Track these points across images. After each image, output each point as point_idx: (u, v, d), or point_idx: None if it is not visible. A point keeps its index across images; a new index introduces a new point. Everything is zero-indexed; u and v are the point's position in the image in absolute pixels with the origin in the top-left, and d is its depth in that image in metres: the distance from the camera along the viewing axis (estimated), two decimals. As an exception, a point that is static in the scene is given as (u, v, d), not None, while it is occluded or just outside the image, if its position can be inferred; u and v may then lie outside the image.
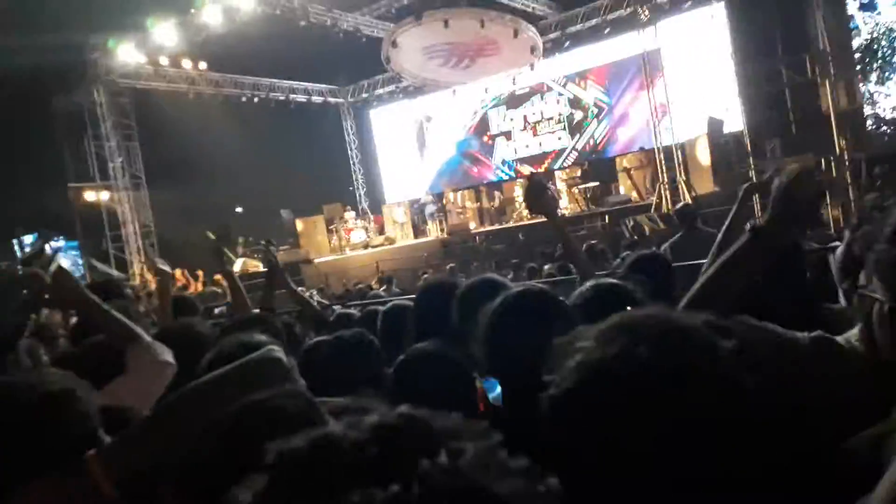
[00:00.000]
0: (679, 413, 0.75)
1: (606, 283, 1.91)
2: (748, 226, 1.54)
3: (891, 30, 11.92)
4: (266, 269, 4.08)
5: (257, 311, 3.52)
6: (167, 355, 1.81)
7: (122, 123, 17.24)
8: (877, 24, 12.03)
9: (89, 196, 16.86)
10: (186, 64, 17.13)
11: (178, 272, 14.30)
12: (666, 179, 14.41)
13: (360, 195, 23.23)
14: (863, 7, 12.00)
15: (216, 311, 6.34)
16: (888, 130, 12.13)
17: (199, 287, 14.92)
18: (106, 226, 17.02)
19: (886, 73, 12.11)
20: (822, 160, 12.18)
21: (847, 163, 11.97)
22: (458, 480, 0.48)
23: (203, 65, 17.53)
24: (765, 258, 1.49)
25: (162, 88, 17.58)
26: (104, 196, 16.96)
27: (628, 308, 1.74)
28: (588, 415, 0.78)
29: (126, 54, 16.11)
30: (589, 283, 1.91)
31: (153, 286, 15.31)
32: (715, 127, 13.34)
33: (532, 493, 0.51)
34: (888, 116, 12.12)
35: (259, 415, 1.00)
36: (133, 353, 1.76)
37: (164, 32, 15.34)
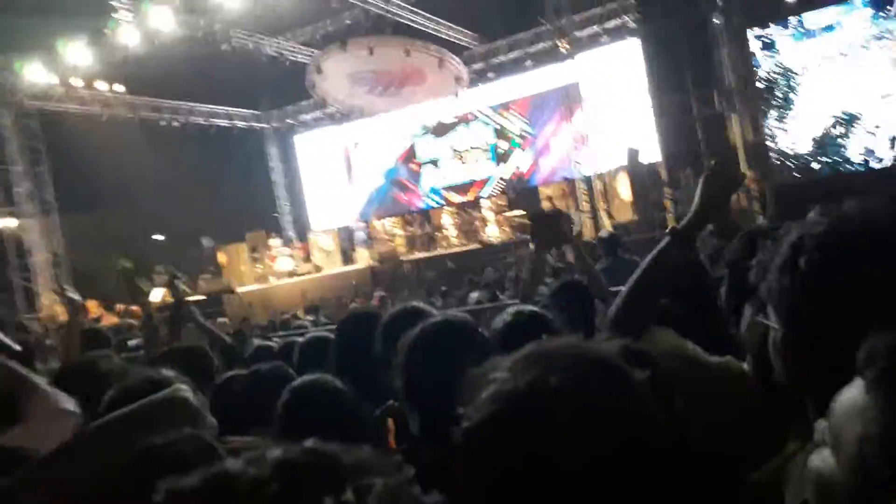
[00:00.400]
0: (591, 444, 0.75)
1: (526, 310, 1.93)
2: (668, 228, 1.69)
3: (788, 69, 12.76)
4: (172, 303, 3.92)
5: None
6: (69, 404, 1.68)
7: (29, 146, 16.37)
8: (776, 64, 12.84)
9: (-8, 223, 15.89)
10: (102, 86, 16.49)
11: (91, 303, 13.59)
12: (587, 208, 14.84)
13: (285, 222, 22.82)
14: (765, 46, 12.81)
15: (130, 343, 6.03)
16: (791, 164, 12.91)
17: (115, 319, 14.22)
18: (12, 255, 16.02)
19: (784, 112, 12.92)
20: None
21: (757, 194, 12.65)
22: None
23: (120, 87, 16.92)
24: (682, 257, 1.62)
25: (75, 111, 16.84)
26: (10, 223, 16.00)
27: (544, 336, 1.78)
28: (500, 447, 0.76)
29: (34, 74, 15.37)
30: (510, 311, 1.93)
31: (64, 318, 14.50)
32: (633, 157, 13.86)
33: None
34: (790, 151, 12.90)
35: (154, 459, 0.94)
36: (31, 402, 1.64)
37: (77, 52, 14.74)
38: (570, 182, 16.34)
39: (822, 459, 0.80)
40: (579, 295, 3.25)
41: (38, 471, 1.14)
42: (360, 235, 18.06)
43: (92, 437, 1.14)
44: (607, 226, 13.43)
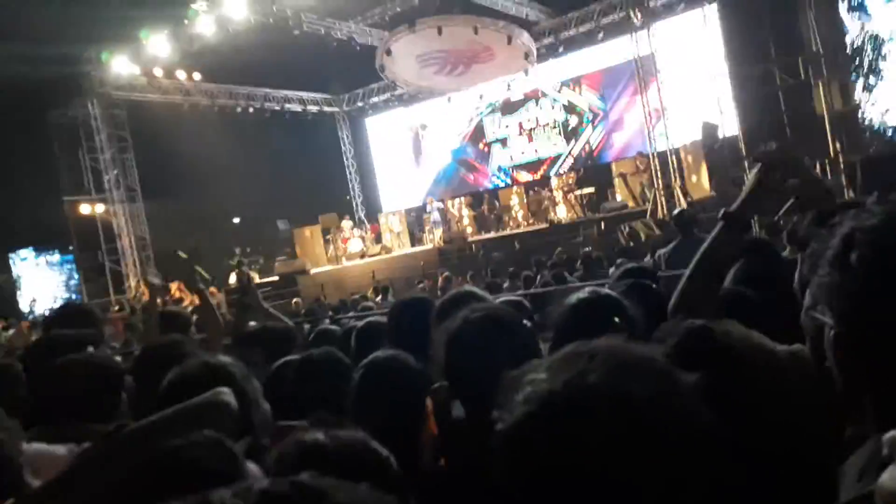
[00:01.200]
0: (628, 448, 0.72)
1: (602, 292, 1.85)
2: (720, 213, 1.62)
3: (875, 37, 11.88)
4: (239, 288, 4.04)
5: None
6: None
7: (116, 136, 17.23)
8: (863, 30, 11.99)
9: (84, 209, 16.84)
10: (181, 75, 17.13)
11: (173, 285, 14.24)
12: (661, 185, 14.37)
13: (356, 204, 23.21)
14: (851, 9, 11.97)
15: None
16: (881, 136, 12.10)
17: (197, 301, 14.83)
18: (101, 239, 16.97)
19: (871, 81, 12.08)
20: (818, 163, 12.15)
21: (842, 165, 11.93)
22: None
23: (197, 76, 17.53)
24: (739, 241, 1.61)
25: (156, 100, 17.58)
26: (99, 209, 16.93)
27: (616, 318, 1.72)
28: (533, 449, 0.75)
29: (120, 66, 16.12)
30: (584, 292, 1.85)
31: (146, 298, 15.25)
32: (709, 131, 13.31)
33: None
34: (879, 123, 12.08)
35: (168, 464, 0.95)
36: None
37: (158, 44, 15.35)
38: (644, 157, 15.85)
39: (892, 477, 0.73)
40: (645, 279, 3.14)
41: (72, 474, 1.17)
42: (434, 216, 18.10)
43: (128, 440, 1.17)
44: (682, 203, 12.98)
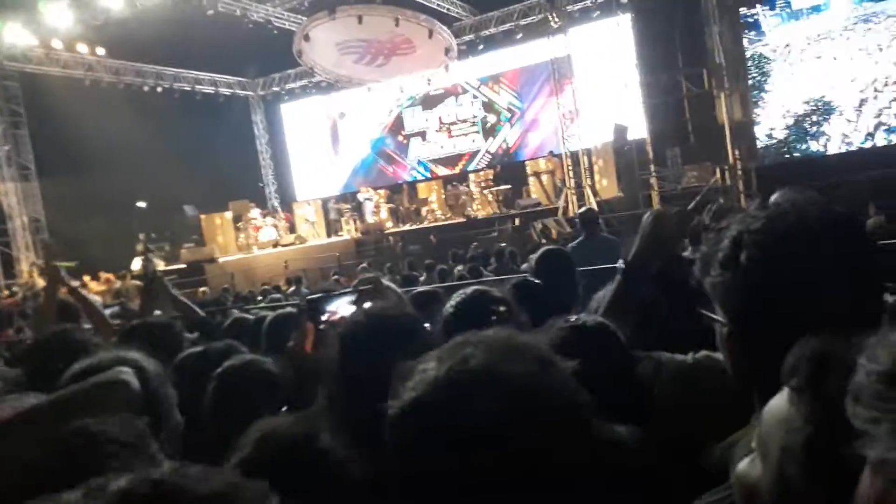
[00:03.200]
0: (506, 423, 0.76)
1: (470, 291, 1.89)
2: (619, 264, 1.68)
3: (761, 55, 12.69)
4: (144, 275, 3.89)
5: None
6: None
7: (9, 109, 16.10)
8: (759, 44, 12.76)
9: (-30, 187, 15.64)
10: (83, 49, 16.15)
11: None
12: (573, 184, 14.83)
13: (269, 192, 22.65)
14: (749, 27, 12.72)
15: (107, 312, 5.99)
16: (773, 147, 12.93)
17: (100, 287, 14.11)
18: (-11, 219, 15.83)
19: (760, 94, 12.91)
20: (717, 169, 12.87)
21: (740, 173, 12.68)
22: None
23: (101, 51, 16.58)
24: (639, 291, 1.65)
25: (55, 73, 16.51)
26: (-12, 187, 15.78)
27: (500, 308, 1.77)
28: (419, 432, 0.79)
29: (14, 35, 15.01)
30: (457, 294, 1.88)
31: (40, 284, 14.38)
32: (619, 133, 13.82)
33: None
34: (770, 133, 12.91)
35: (81, 443, 0.93)
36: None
37: (58, 14, 14.40)
38: (556, 158, 16.30)
39: (749, 464, 0.80)
40: (564, 263, 3.28)
41: None
42: (368, 205, 17.88)
43: (28, 416, 1.13)
44: (592, 202, 13.44)
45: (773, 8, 12.53)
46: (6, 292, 13.70)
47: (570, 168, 15.04)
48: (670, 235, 1.72)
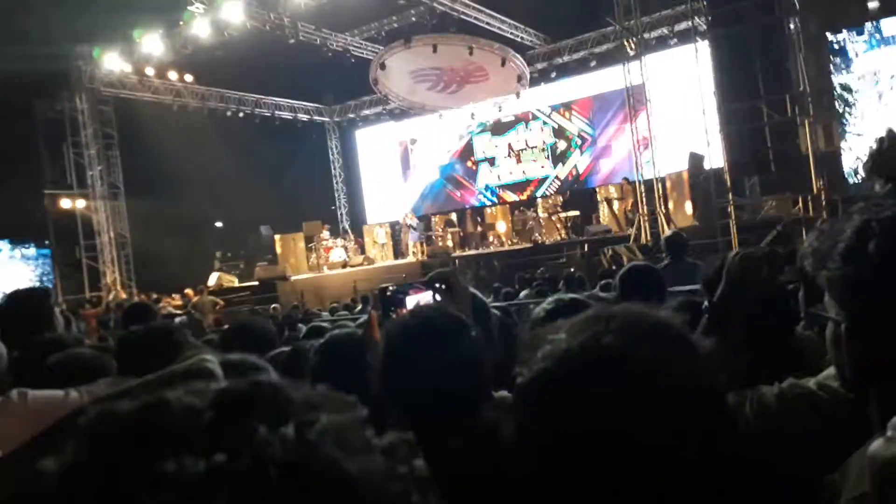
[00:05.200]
0: (637, 404, 0.74)
1: (567, 297, 1.85)
2: (704, 305, 1.59)
3: (846, 85, 12.17)
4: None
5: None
6: None
7: (103, 132, 17.09)
8: (846, 72, 12.26)
9: (65, 203, 16.62)
10: (172, 76, 17.06)
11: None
12: (646, 211, 14.50)
13: (341, 214, 23.17)
14: (835, 53, 12.26)
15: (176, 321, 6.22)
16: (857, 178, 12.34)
17: (177, 301, 14.67)
18: (80, 234, 16.73)
19: (847, 123, 12.37)
20: (800, 199, 12.35)
21: (824, 203, 12.12)
22: (298, 453, 0.42)
23: (189, 77, 17.47)
24: (726, 329, 1.56)
25: (146, 99, 17.48)
26: (80, 204, 16.72)
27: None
28: (549, 404, 0.78)
29: (112, 63, 16.02)
30: (551, 298, 1.86)
31: (122, 296, 15.04)
32: (696, 162, 13.47)
33: (390, 472, 0.46)
34: (855, 165, 12.34)
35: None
36: None
37: (151, 43, 15.30)
38: (629, 184, 16.01)
39: (885, 443, 0.73)
40: (652, 280, 3.11)
41: (44, 437, 1.11)
42: (413, 235, 18.09)
43: (115, 395, 1.14)
44: (666, 230, 13.09)
45: (860, 34, 12.05)
46: (90, 304, 14.39)
47: (644, 195, 14.72)
48: (759, 280, 1.60)
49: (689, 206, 14.49)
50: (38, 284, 16.04)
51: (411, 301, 1.97)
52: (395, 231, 19.51)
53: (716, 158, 13.33)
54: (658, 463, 0.73)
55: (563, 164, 19.09)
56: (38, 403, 1.73)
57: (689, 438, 0.74)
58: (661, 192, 14.61)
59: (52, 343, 2.52)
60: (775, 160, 13.26)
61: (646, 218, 14.39)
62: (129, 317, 3.90)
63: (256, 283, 15.85)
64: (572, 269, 10.68)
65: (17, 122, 16.69)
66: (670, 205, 14.75)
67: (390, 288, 2.08)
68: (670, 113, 15.78)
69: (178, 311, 11.13)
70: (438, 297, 1.93)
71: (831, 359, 1.03)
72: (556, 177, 19.20)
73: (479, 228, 19.09)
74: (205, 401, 0.46)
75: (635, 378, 0.75)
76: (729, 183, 12.99)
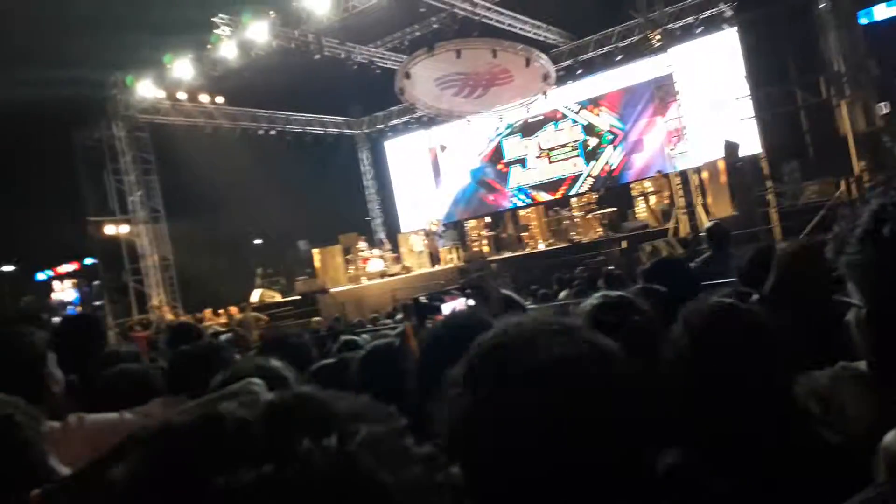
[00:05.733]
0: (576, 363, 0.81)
1: (613, 294, 1.85)
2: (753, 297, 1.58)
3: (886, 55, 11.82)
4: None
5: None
6: None
7: (141, 157, 17.51)
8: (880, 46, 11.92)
9: (109, 229, 17.06)
10: (204, 98, 17.42)
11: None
12: (683, 204, 14.30)
13: (376, 225, 23.35)
14: (867, 29, 11.95)
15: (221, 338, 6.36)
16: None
17: (222, 320, 14.93)
18: (125, 259, 17.17)
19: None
20: (843, 182, 12.04)
21: (868, 184, 11.80)
22: (340, 463, 0.46)
23: (220, 99, 17.82)
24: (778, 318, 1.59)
25: (180, 123, 17.86)
26: (123, 229, 17.15)
27: (636, 318, 1.71)
28: (465, 400, 0.86)
29: (145, 90, 16.43)
30: (596, 295, 1.85)
31: (169, 317, 15.37)
32: (731, 150, 13.24)
33: (425, 482, 0.49)
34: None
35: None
36: None
37: (182, 68, 15.65)
38: (664, 177, 15.81)
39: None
40: (677, 272, 3.06)
41: (104, 462, 1.16)
42: (440, 241, 18.14)
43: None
44: (705, 221, 12.88)
45: (891, 5, 11.73)
46: (140, 326, 14.74)
47: (679, 187, 14.52)
48: (808, 270, 1.59)
49: (726, 196, 14.25)
50: (87, 310, 16.52)
51: (447, 308, 2.01)
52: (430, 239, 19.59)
53: (751, 145, 13.11)
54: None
55: (596, 160, 18.94)
56: (96, 427, 1.82)
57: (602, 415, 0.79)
58: (697, 183, 14.40)
59: (109, 357, 2.63)
60: (813, 143, 12.98)
61: (683, 210, 14.20)
62: (176, 336, 4.00)
63: (298, 297, 16.06)
64: (611, 267, 10.58)
65: (57, 153, 17.26)
66: (708, 195, 14.51)
67: (423, 298, 2.13)
68: (701, 102, 15.55)
69: (223, 329, 11.32)
70: (472, 303, 1.98)
71: (856, 343, 1.02)
72: (589, 174, 19.05)
73: (514, 231, 19.04)
74: (255, 414, 0.50)
75: (564, 339, 0.83)
76: (767, 170, 12.75)
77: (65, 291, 16.96)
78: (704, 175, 14.65)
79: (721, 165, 14.23)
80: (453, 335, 1.52)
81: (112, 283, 17.37)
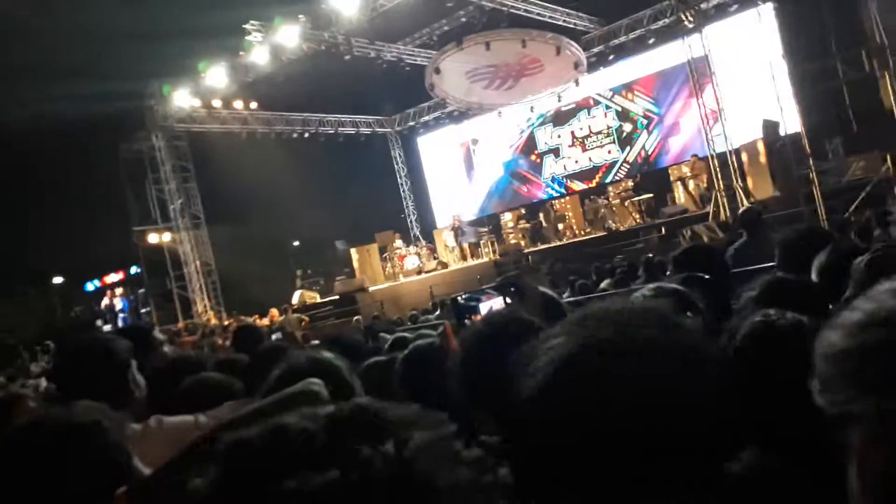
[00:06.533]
0: (646, 386, 0.78)
1: (668, 287, 1.82)
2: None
3: None
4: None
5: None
6: None
7: (180, 166, 17.88)
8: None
9: (152, 238, 17.49)
10: (238, 104, 17.70)
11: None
12: (722, 186, 14.00)
13: (411, 221, 23.43)
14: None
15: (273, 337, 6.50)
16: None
17: (265, 322, 15.18)
18: (169, 266, 17.57)
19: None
20: (889, 157, 11.65)
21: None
22: (398, 468, 0.51)
23: (254, 104, 18.08)
24: None
25: (216, 130, 18.17)
26: (166, 237, 17.56)
27: (688, 313, 1.68)
28: (562, 407, 0.81)
29: (181, 99, 16.76)
30: (650, 286, 1.84)
31: (213, 322, 15.67)
32: (770, 129, 12.91)
33: (476, 483, 0.53)
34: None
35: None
36: None
37: (216, 76, 15.91)
38: (702, 160, 15.50)
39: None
40: (707, 259, 2.98)
41: (180, 462, 1.21)
42: (465, 237, 18.10)
43: (231, 423, 1.21)
44: (746, 204, 12.60)
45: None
46: (186, 332, 15.08)
47: (719, 170, 14.22)
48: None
49: (767, 177, 13.92)
50: (135, 318, 16.98)
51: (484, 307, 2.04)
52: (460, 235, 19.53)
53: (791, 124, 12.75)
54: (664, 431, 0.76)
55: (631, 146, 18.67)
56: (174, 428, 1.95)
57: (685, 402, 0.78)
58: (736, 164, 14.08)
59: (183, 362, 2.76)
60: (856, 118, 12.58)
61: (723, 193, 13.90)
62: (240, 339, 4.14)
63: (337, 297, 16.23)
64: (650, 255, 10.43)
65: (100, 166, 17.74)
66: (748, 177, 14.19)
67: (461, 298, 2.16)
68: (738, 82, 15.19)
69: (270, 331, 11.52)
70: (509, 301, 2.01)
71: None
72: (625, 160, 18.80)
73: (550, 221, 18.90)
74: (317, 424, 0.55)
75: (634, 365, 0.78)
76: (808, 148, 12.39)
77: (114, 300, 17.42)
78: (744, 156, 14.33)
79: (761, 146, 13.90)
80: (494, 334, 1.54)
81: (157, 290, 17.81)
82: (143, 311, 17.62)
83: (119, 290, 17.99)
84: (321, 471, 0.49)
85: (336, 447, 0.52)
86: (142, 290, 18.25)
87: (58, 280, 21.15)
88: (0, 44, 14.13)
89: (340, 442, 0.52)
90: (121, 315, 16.80)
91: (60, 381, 2.45)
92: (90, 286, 22.57)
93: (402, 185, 23.70)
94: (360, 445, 0.51)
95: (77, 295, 22.52)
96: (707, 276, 2.46)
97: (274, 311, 15.62)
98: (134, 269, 19.41)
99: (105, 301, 17.80)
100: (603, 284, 8.31)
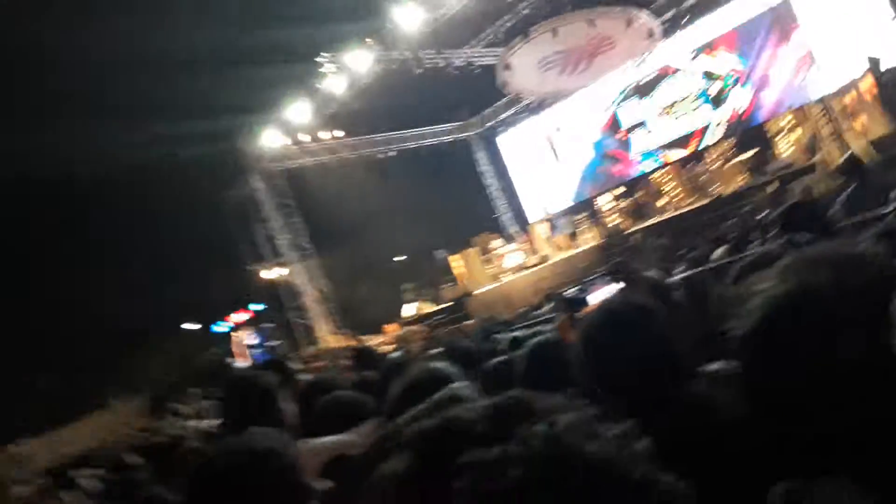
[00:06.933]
0: (864, 332, 0.78)
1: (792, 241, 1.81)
2: None
3: None
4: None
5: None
6: None
7: (282, 203, 18.77)
8: None
9: (266, 274, 18.44)
10: (324, 135, 18.40)
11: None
12: (827, 133, 13.17)
13: (505, 220, 23.44)
14: None
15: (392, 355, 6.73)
16: None
17: (381, 339, 15.65)
18: (286, 298, 18.48)
19: None
20: None
21: None
22: (550, 442, 0.62)
23: (339, 133, 18.73)
24: None
25: (308, 163, 18.96)
26: (279, 271, 18.47)
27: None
28: (774, 349, 0.83)
29: (271, 139, 17.62)
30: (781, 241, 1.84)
31: (334, 346, 16.24)
32: (874, 66, 12.02)
33: (620, 453, 0.62)
34: None
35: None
36: None
37: (299, 111, 16.63)
38: (800, 110, 14.63)
39: None
40: (810, 215, 2.91)
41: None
42: (557, 229, 17.88)
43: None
44: (855, 148, 11.79)
45: None
46: (311, 360, 15.78)
47: (821, 115, 13.38)
48: None
49: (878, 114, 12.95)
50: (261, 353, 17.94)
51: (593, 298, 2.10)
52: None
53: (893, 58, 11.82)
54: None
55: (722, 106, 17.87)
56: (322, 448, 2.15)
57: None
58: (840, 107, 13.21)
59: (319, 385, 2.99)
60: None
61: (831, 139, 13.07)
62: (360, 361, 4.38)
63: (451, 303, 16.51)
64: (766, 212, 9.97)
65: (205, 211, 18.84)
66: (855, 118, 13.27)
67: (569, 293, 2.25)
68: (827, 22, 14.22)
69: (389, 348, 11.89)
70: (617, 288, 2.06)
71: None
72: (718, 122, 18.01)
73: (649, 197, 18.40)
74: (482, 412, 0.70)
75: (849, 311, 0.79)
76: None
77: (247, 337, 18.58)
78: (847, 98, 13.41)
79: (864, 85, 12.96)
80: (612, 321, 1.61)
81: (278, 323, 18.75)
82: (271, 343, 18.58)
83: (251, 327, 19.10)
84: (488, 447, 0.62)
85: (499, 429, 0.64)
86: (272, 324, 19.26)
87: (188, 326, 22.62)
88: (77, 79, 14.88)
89: (502, 425, 0.65)
90: (254, 351, 17.81)
91: (227, 415, 2.72)
92: (216, 328, 24.00)
93: (489, 185, 23.76)
94: (517, 427, 0.63)
95: (204, 338, 23.96)
96: (806, 237, 2.40)
97: (388, 328, 16.07)
98: (253, 306, 20.46)
99: (235, 339, 18.91)
100: (717, 254, 8.02)
